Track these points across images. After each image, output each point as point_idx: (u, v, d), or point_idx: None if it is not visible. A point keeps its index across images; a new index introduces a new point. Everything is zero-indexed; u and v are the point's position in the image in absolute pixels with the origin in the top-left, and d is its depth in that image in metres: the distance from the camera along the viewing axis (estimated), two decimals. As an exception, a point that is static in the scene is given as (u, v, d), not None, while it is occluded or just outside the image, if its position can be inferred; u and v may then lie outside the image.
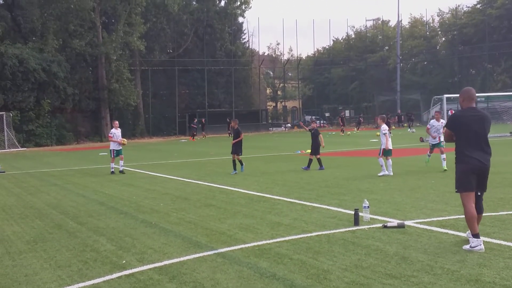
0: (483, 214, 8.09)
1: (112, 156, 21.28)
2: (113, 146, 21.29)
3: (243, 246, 8.23)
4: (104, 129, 59.63)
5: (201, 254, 7.82)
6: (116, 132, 21.42)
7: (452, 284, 6.05)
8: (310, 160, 19.81)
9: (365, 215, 9.65)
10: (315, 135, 20.11)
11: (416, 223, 9.37)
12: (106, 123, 59.79)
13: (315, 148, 19.94)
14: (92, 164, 26.40)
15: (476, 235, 7.48)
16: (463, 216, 7.89)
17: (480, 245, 7.42)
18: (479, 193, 7.82)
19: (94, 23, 57.89)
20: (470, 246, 7.47)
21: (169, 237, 9.10)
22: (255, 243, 8.33)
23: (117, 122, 22.46)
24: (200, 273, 6.87)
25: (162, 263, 7.44)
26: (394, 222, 9.27)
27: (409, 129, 52.24)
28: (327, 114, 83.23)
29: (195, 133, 55.83)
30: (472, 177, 7.69)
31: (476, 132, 7.74)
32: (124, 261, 7.63)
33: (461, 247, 7.59)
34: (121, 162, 21.34)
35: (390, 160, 17.12)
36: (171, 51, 71.16)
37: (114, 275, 6.96)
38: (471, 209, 7.56)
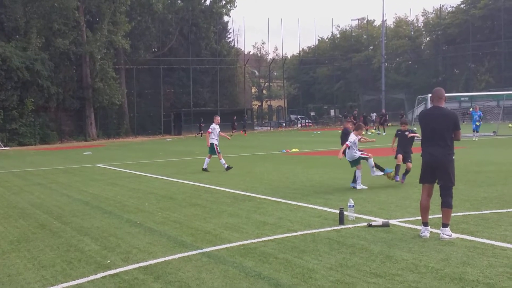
0: (470, 213, 8.16)
1: (218, 152, 20.10)
2: (213, 141, 20.17)
3: (228, 245, 8.22)
4: (88, 128, 59.37)
5: (186, 254, 7.80)
6: (216, 128, 20.40)
7: (436, 283, 6.08)
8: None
9: (350, 214, 9.68)
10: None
11: (401, 222, 9.41)
12: (90, 122, 59.53)
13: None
14: (76, 164, 26.24)
15: (424, 223, 8.31)
16: (448, 214, 8.16)
17: (424, 232, 8.21)
18: (440, 185, 8.30)
19: (78, 22, 57.55)
20: (447, 235, 8.03)
21: (154, 236, 9.06)
22: (241, 242, 8.33)
23: (218, 117, 21.20)
24: (185, 273, 6.85)
25: (147, 262, 7.41)
26: (379, 221, 9.31)
27: (378, 132, 48.05)
28: (312, 113, 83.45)
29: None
30: (428, 170, 8.34)
31: (434, 129, 8.26)
32: (108, 261, 7.59)
33: (445, 245, 7.65)
34: (207, 160, 20.26)
35: (358, 171, 14.28)
36: (156, 50, 70.96)
37: (99, 275, 6.91)
38: (423, 200, 8.38)
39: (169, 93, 70.95)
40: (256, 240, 8.46)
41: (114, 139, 59.71)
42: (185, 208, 11.80)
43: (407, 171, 14.51)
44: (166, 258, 7.60)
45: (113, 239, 8.99)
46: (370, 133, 46.73)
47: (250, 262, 7.21)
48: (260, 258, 7.39)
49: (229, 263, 7.24)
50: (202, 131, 55.65)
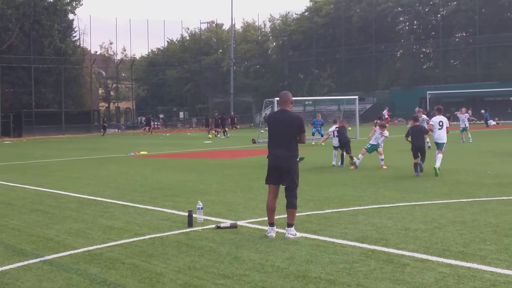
0: (314, 212, 8.47)
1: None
2: None
3: (72, 252, 7.86)
4: None
5: (25, 262, 7.34)
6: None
7: (282, 281, 6.23)
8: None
9: (198, 216, 9.67)
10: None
11: (248, 222, 9.57)
12: None
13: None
14: None
15: (270, 224, 8.51)
16: (293, 214, 8.41)
17: (271, 232, 8.41)
18: (285, 186, 8.50)
19: None
20: (292, 234, 8.27)
21: (-10, 245, 8.44)
22: (85, 249, 8.00)
23: None
24: (24, 282, 6.44)
25: (-19, 274, 6.87)
26: (227, 222, 9.39)
27: (222, 135, 47.09)
28: (161, 116, 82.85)
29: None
30: (273, 171, 8.51)
31: (280, 132, 8.47)
32: None
33: (290, 244, 7.88)
34: None
35: None
36: (-7, 47, 66.48)
37: None
38: (269, 201, 8.56)
39: (8, 93, 66.70)
40: (102, 246, 8.17)
41: None
42: (25, 215, 11.12)
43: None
44: (4, 268, 7.10)
45: None
46: (219, 135, 47.35)
47: (95, 269, 6.94)
48: (106, 264, 7.14)
49: (72, 270, 6.92)
50: (104, 130, 58.89)
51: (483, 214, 9.68)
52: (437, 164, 15.48)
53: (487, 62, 69.79)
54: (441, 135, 16.28)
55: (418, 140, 16.01)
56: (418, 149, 15.84)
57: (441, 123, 16.30)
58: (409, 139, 16.15)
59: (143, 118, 73.07)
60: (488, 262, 6.70)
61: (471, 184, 13.63)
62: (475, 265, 6.59)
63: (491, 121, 49.99)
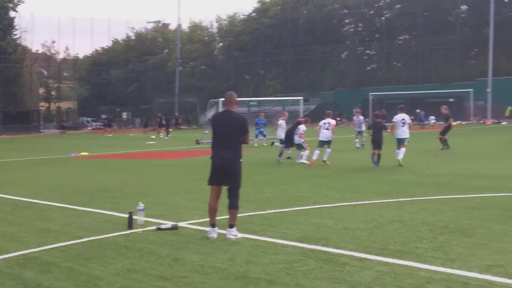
0: (256, 213, 8.45)
1: None
2: None
3: (5, 256, 7.60)
4: None
5: (-45, 268, 7.06)
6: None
7: (222, 282, 6.19)
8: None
9: (139, 218, 9.52)
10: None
11: (190, 224, 9.48)
12: None
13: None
14: None
15: (212, 225, 8.46)
16: (234, 215, 8.40)
17: (212, 233, 8.37)
18: (227, 187, 8.48)
19: None
20: (233, 235, 8.24)
21: None
22: (20, 252, 7.75)
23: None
24: (-47, 289, 6.19)
25: None
26: (168, 224, 9.27)
27: (165, 136, 46.96)
28: (103, 116, 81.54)
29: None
30: (216, 172, 8.46)
31: (223, 132, 8.46)
32: None
33: (231, 245, 7.84)
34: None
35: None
36: None
37: None
38: (211, 202, 8.51)
39: None
40: (37, 249, 7.93)
41: None
42: (-43, 218, 10.72)
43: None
44: None
45: None
46: (161, 135, 46.97)
47: (30, 273, 6.73)
48: (41, 268, 6.93)
49: (5, 275, 6.69)
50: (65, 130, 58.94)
51: (420, 213, 9.87)
52: (400, 156, 17.76)
53: (428, 65, 71.55)
54: (405, 131, 18.44)
55: (377, 134, 18.10)
56: (377, 142, 17.97)
57: (403, 121, 18.52)
58: (371, 132, 18.54)
59: (103, 117, 73.20)
60: (424, 260, 6.83)
61: (410, 183, 13.91)
62: (411, 263, 6.70)
63: (431, 117, 51.18)
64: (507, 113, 46.47)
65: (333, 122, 19.66)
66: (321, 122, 19.60)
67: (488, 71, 59.58)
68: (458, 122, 48.96)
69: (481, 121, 56.42)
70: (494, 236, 7.99)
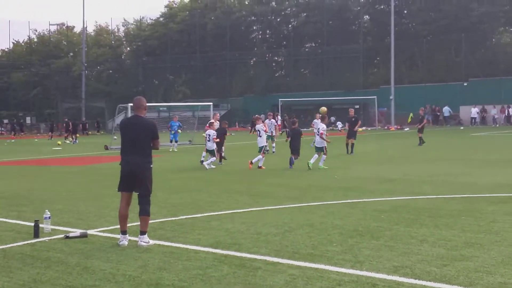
0: (168, 219, 8.36)
1: None
2: None
3: None
4: None
5: None
6: None
7: (134, 290, 6.09)
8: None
9: (46, 226, 9.20)
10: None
11: (100, 231, 9.27)
12: None
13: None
14: None
15: (122, 232, 8.30)
16: (146, 222, 8.32)
17: (123, 241, 8.22)
18: (138, 193, 8.39)
19: None
20: (145, 242, 8.14)
21: None
22: None
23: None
24: None
25: None
26: (76, 231, 9.02)
27: (69, 141, 46.04)
28: (5, 121, 78.17)
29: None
30: (126, 178, 8.37)
31: (133, 138, 8.37)
32: None
33: (143, 252, 7.73)
34: None
35: None
36: None
37: None
38: (122, 209, 8.37)
39: None
40: None
41: None
42: None
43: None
44: None
45: None
46: (67, 141, 45.63)
47: None
48: None
49: None
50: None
51: (330, 216, 10.12)
52: (313, 161, 18.55)
53: (334, 72, 73.41)
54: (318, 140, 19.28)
55: (295, 141, 19.27)
56: (296, 148, 19.13)
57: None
58: (289, 139, 19.60)
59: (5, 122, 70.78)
60: (335, 263, 7.00)
61: (319, 188, 14.22)
62: (322, 266, 6.86)
63: (339, 123, 52.70)
64: (409, 120, 48.39)
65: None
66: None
67: (391, 79, 61.88)
68: (363, 128, 50.52)
69: (385, 127, 58.50)
70: (401, 238, 8.31)
